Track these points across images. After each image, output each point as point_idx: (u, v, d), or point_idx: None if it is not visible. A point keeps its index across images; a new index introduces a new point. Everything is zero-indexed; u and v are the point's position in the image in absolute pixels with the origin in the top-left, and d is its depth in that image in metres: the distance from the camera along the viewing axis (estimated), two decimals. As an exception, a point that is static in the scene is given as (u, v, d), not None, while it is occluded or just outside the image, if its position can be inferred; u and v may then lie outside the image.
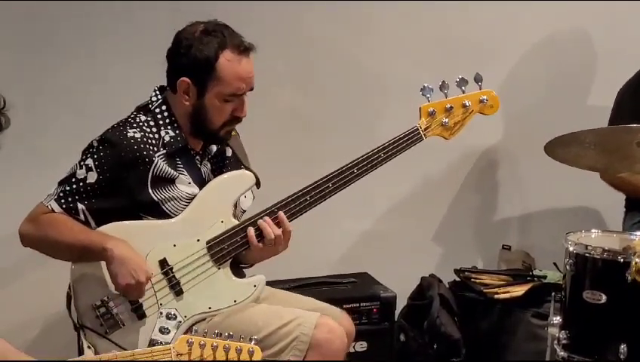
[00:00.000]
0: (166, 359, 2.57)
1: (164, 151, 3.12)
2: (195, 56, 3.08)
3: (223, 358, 2.58)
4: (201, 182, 3.19)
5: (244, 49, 3.12)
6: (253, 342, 2.60)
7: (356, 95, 4.37)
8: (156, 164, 3.09)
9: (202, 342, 2.57)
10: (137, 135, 3.09)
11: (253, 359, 2.59)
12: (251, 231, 3.13)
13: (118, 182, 3.06)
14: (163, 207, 3.10)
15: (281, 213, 3.15)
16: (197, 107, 3.13)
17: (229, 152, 3.33)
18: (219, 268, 3.11)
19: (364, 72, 4.38)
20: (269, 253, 3.20)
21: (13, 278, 3.97)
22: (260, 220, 3.14)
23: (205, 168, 3.25)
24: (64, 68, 3.98)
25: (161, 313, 3.04)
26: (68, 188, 3.07)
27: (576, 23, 4.59)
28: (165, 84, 3.22)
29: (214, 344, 2.57)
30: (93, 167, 3.06)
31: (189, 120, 3.16)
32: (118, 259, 2.97)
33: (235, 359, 2.58)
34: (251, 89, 3.17)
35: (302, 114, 4.31)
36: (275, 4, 4.16)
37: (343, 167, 3.21)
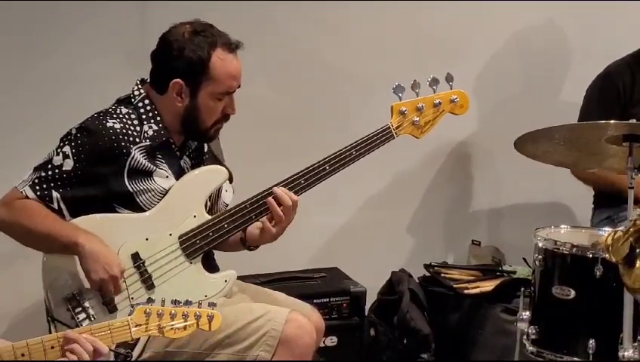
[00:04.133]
0: (124, 332, 2.56)
1: (148, 143, 3.12)
2: (189, 57, 3.09)
3: (182, 326, 2.58)
4: (181, 175, 3.20)
5: (234, 47, 3.15)
6: (212, 307, 2.60)
7: (330, 93, 4.38)
8: (133, 157, 3.09)
9: (160, 311, 2.56)
10: (117, 126, 3.09)
11: (213, 324, 2.60)
12: (271, 201, 3.14)
13: (94, 170, 3.05)
14: (137, 199, 3.10)
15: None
16: (190, 108, 3.15)
17: (205, 147, 3.33)
18: (190, 263, 3.11)
19: (337, 69, 4.38)
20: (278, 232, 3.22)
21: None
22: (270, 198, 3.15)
23: (185, 163, 3.26)
24: (32, 65, 3.96)
25: (132, 306, 3.03)
26: (43, 174, 3.06)
27: (548, 19, 4.61)
28: (145, 78, 3.22)
29: (173, 312, 2.57)
30: (70, 155, 3.05)
31: (180, 120, 3.18)
32: (91, 254, 2.96)
33: (194, 325, 2.58)
34: (239, 86, 3.20)
35: (276, 111, 4.31)
36: (250, 3, 4.16)
37: (315, 163, 3.21)
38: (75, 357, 2.48)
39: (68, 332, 2.52)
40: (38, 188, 3.05)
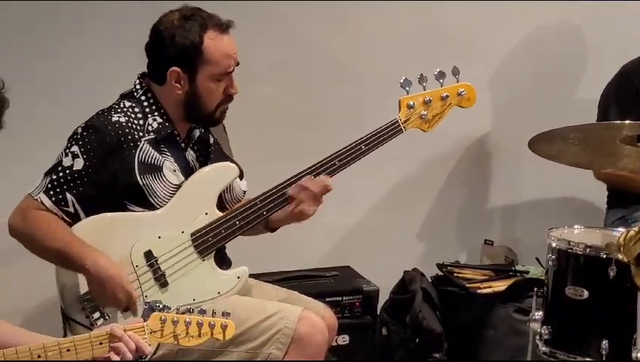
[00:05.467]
0: (140, 336, 2.57)
1: (152, 136, 3.13)
2: (181, 43, 3.10)
3: (196, 334, 2.59)
4: (187, 169, 3.21)
5: (225, 27, 3.15)
6: (225, 316, 2.62)
7: (337, 90, 4.37)
8: (142, 148, 3.10)
9: (175, 319, 2.58)
10: (122, 119, 3.10)
11: (227, 333, 2.61)
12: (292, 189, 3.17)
13: (105, 166, 3.06)
14: (150, 199, 3.10)
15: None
16: (190, 93, 3.15)
17: (211, 139, 3.34)
18: (203, 260, 3.12)
19: (349, 69, 4.38)
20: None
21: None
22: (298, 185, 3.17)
23: (190, 155, 3.26)
24: (41, 59, 3.96)
25: (146, 304, 3.03)
26: (55, 177, 3.06)
27: (564, 17, 4.60)
28: (146, 72, 3.23)
29: (187, 320, 2.58)
30: (80, 154, 3.05)
31: (183, 108, 3.18)
32: (97, 279, 2.97)
33: (208, 334, 2.60)
34: (237, 64, 3.19)
35: (283, 109, 4.31)
36: (260, 2, 4.15)
37: (325, 158, 3.22)
38: (117, 358, 2.50)
39: (114, 329, 2.53)
40: (52, 192, 3.05)
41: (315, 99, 4.36)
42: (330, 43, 4.35)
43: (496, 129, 4.60)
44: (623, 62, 4.15)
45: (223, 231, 3.13)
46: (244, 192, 3.35)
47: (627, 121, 3.42)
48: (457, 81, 3.34)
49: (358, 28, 4.40)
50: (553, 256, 3.35)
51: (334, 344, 3.73)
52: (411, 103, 3.30)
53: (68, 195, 3.06)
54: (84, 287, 3.03)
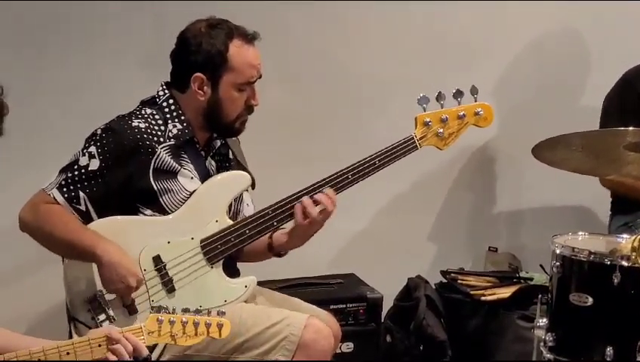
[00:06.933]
0: (138, 338, 2.60)
1: (172, 143, 3.15)
2: (207, 50, 3.14)
3: (193, 333, 2.63)
4: (206, 176, 3.23)
5: (251, 37, 3.20)
6: (221, 315, 2.65)
7: (346, 96, 4.39)
8: (158, 155, 3.12)
9: (172, 319, 2.62)
10: (142, 125, 3.12)
11: (222, 332, 2.65)
12: (299, 207, 3.17)
13: (120, 169, 3.08)
14: (160, 199, 3.12)
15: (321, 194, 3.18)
16: (212, 101, 3.18)
17: (230, 154, 3.36)
18: (211, 267, 3.13)
19: (353, 73, 4.38)
20: (305, 235, 3.26)
21: (3, 274, 3.97)
22: (299, 203, 3.17)
23: (211, 164, 3.28)
24: (55, 68, 3.99)
25: (153, 309, 3.04)
26: (70, 175, 3.09)
27: (567, 23, 4.62)
28: (169, 80, 3.26)
29: (184, 319, 2.62)
30: (96, 155, 3.08)
31: (204, 115, 3.21)
32: (108, 265, 2.99)
33: (205, 333, 2.63)
34: (260, 76, 3.23)
35: (292, 116, 4.32)
36: (263, 4, 4.17)
37: (338, 172, 3.23)
38: (114, 358, 2.54)
39: (112, 331, 2.56)
40: (65, 189, 3.08)
41: (321, 104, 4.37)
42: (336, 46, 4.36)
43: (500, 136, 4.60)
44: (627, 68, 4.16)
45: (232, 240, 3.14)
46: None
47: (631, 128, 3.43)
48: (475, 101, 3.34)
49: (364, 32, 4.41)
50: (557, 263, 3.34)
51: (339, 351, 3.72)
52: (428, 121, 3.29)
53: (81, 193, 3.08)
54: (91, 289, 3.05)
